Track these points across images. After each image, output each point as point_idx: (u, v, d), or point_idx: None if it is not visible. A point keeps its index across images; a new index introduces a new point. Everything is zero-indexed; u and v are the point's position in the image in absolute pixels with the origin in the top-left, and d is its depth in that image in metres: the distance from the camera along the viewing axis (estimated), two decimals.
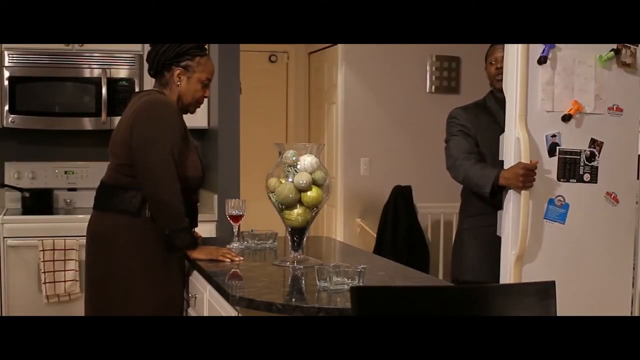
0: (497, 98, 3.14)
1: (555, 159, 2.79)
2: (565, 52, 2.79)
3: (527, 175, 2.70)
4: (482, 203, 3.01)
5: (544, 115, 2.79)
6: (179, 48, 2.72)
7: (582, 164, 2.81)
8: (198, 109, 2.91)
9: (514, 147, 2.75)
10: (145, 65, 2.86)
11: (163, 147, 2.61)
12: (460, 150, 3.05)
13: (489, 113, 3.14)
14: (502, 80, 3.09)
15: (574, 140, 2.81)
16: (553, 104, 2.78)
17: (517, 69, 2.76)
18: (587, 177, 2.81)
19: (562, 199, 2.79)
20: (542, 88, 2.77)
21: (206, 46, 2.86)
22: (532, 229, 2.76)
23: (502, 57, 3.08)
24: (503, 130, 3.00)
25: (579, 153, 2.81)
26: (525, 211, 2.72)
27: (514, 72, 2.78)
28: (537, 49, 2.77)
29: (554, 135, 2.79)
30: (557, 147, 2.79)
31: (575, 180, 2.81)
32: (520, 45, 2.74)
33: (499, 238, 2.88)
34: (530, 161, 2.71)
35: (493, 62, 3.17)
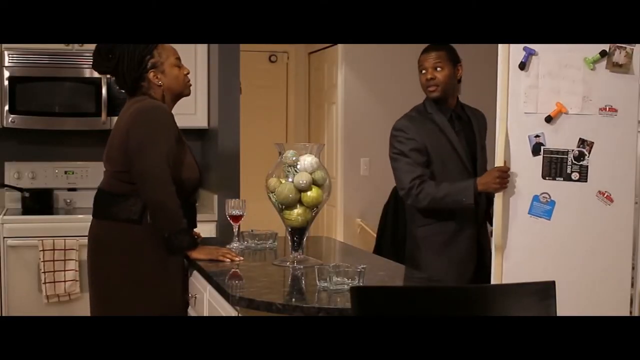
0: (440, 107, 3.10)
1: (539, 157, 2.81)
2: (551, 54, 2.78)
3: (502, 177, 2.74)
4: (432, 213, 3.07)
5: (527, 117, 2.79)
6: (134, 55, 2.70)
7: (569, 163, 2.82)
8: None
9: (495, 149, 2.80)
10: None
11: (159, 151, 2.62)
12: (409, 176, 3.03)
13: (434, 122, 3.11)
14: (434, 90, 3.08)
15: (560, 140, 2.81)
16: (537, 106, 2.80)
17: (498, 72, 2.77)
18: (575, 175, 2.81)
19: (547, 196, 2.80)
20: (524, 91, 2.78)
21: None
22: (516, 224, 2.79)
23: (432, 66, 3.05)
24: (450, 142, 3.07)
25: (565, 152, 2.81)
26: (500, 204, 2.77)
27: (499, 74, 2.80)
28: (521, 51, 2.78)
29: (537, 136, 2.80)
30: (542, 147, 2.81)
31: (562, 179, 2.82)
32: (500, 46, 2.75)
33: (456, 245, 3.08)
34: (504, 163, 2.75)
35: (423, 72, 3.09)
